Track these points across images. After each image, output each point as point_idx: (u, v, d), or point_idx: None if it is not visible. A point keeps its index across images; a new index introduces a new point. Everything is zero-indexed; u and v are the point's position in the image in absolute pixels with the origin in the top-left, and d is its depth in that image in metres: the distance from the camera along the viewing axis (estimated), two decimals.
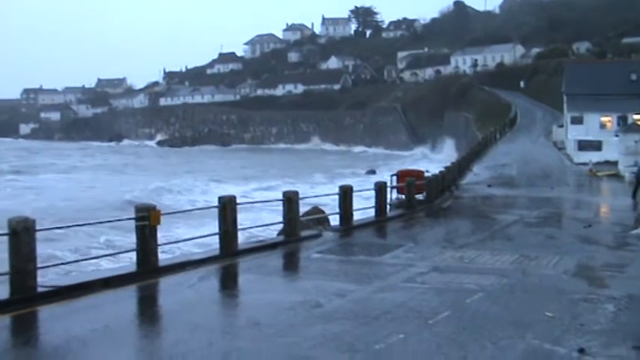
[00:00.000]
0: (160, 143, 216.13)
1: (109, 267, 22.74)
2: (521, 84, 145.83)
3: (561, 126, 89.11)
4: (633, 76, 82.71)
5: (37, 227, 15.82)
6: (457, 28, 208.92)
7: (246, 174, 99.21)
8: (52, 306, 15.20)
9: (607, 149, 71.54)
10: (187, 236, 24.87)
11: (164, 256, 19.96)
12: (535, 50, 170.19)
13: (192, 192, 74.48)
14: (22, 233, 15.30)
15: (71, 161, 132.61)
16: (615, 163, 63.29)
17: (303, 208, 27.30)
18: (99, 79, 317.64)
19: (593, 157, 69.96)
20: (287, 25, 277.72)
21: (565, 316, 14.68)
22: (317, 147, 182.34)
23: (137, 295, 17.25)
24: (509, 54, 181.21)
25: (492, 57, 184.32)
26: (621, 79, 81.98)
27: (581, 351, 12.24)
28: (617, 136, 67.80)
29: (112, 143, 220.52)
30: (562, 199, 43.84)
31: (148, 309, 16.19)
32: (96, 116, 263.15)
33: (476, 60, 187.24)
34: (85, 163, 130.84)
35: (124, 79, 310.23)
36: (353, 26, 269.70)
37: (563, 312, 15.04)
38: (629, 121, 72.52)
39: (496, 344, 12.62)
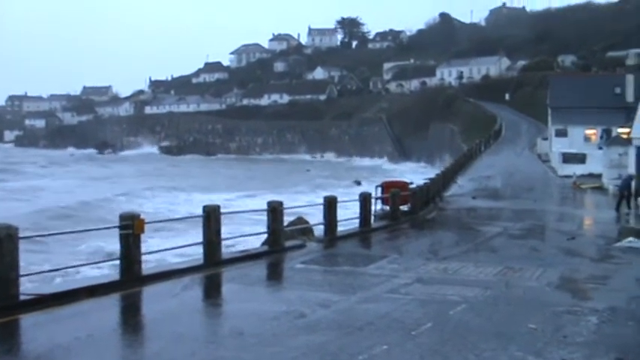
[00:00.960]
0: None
1: (92, 275, 22.66)
2: (507, 96, 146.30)
3: (546, 138, 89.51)
4: (617, 90, 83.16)
5: (20, 235, 15.76)
6: (443, 40, 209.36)
7: (231, 183, 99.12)
8: (34, 314, 15.13)
9: (591, 162, 71.81)
10: (166, 246, 24.80)
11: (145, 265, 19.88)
12: (521, 63, 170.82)
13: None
14: (5, 240, 15.23)
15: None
16: (599, 176, 63.61)
17: (287, 218, 27.29)
18: (84, 87, 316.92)
19: (578, 169, 70.26)
20: (273, 35, 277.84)
21: (548, 328, 14.72)
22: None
23: (121, 304, 17.21)
24: (494, 66, 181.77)
25: (478, 69, 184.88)
26: (606, 92, 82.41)
27: None
28: (601, 148, 68.12)
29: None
30: (546, 212, 43.97)
31: (132, 318, 16.15)
32: (81, 124, 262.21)
33: (461, 72, 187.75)
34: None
35: (109, 87, 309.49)
36: (339, 37, 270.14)
37: (546, 324, 15.08)
38: (613, 134, 72.86)
39: (479, 356, 12.63)
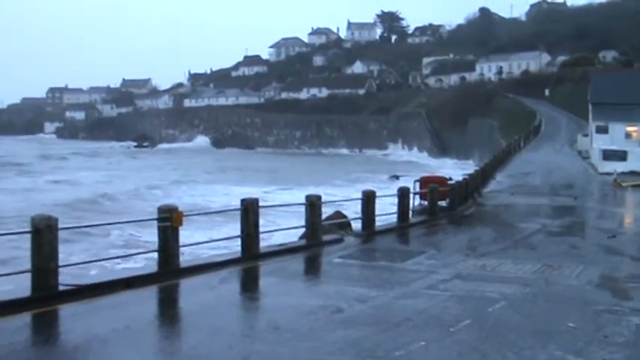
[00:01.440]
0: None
1: (130, 267, 22.75)
2: (547, 92, 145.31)
3: (586, 135, 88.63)
4: None
5: (60, 225, 15.83)
6: (482, 35, 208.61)
7: (270, 177, 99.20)
8: (73, 305, 15.21)
9: (632, 159, 71.08)
10: (203, 239, 24.83)
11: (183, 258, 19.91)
12: (561, 58, 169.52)
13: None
14: (45, 231, 15.31)
15: None
16: None
17: (325, 211, 27.22)
18: (124, 80, 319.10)
19: (618, 167, 69.50)
20: (312, 29, 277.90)
21: (588, 328, 14.54)
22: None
23: (158, 296, 17.26)
24: (534, 62, 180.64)
25: (518, 64, 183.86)
26: None
27: None
28: None
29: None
30: (586, 209, 43.53)
31: (169, 310, 16.18)
32: (120, 116, 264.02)
33: (501, 67, 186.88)
34: None
35: (148, 80, 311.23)
36: (378, 31, 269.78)
37: (586, 323, 14.89)
38: None
39: (518, 354, 12.50)
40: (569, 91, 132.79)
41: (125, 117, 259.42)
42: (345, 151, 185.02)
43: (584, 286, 19.34)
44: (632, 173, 66.19)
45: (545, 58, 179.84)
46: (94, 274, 20.44)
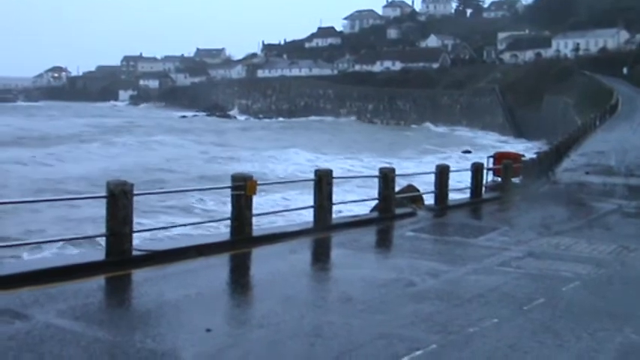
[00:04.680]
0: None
1: (203, 234, 22.91)
2: (625, 70, 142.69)
3: None
4: None
5: (135, 191, 15.98)
6: (559, 11, 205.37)
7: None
8: (146, 270, 15.36)
9: None
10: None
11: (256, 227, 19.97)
12: None
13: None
14: (120, 196, 15.46)
15: None
16: None
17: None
18: (198, 49, 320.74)
19: None
20: (387, 1, 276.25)
21: None
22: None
23: (230, 264, 17.36)
24: (612, 39, 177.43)
25: (595, 41, 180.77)
26: None
27: None
28: None
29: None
30: None
31: (241, 278, 16.28)
32: (194, 85, 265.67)
33: (578, 44, 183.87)
34: None
35: (222, 50, 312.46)
36: (454, 5, 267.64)
37: None
38: None
39: (593, 335, 12.31)
40: None
41: (198, 86, 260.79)
42: (431, 126, 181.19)
43: None
44: None
45: (624, 35, 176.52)
46: (167, 240, 20.63)
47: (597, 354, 11.54)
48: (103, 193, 15.72)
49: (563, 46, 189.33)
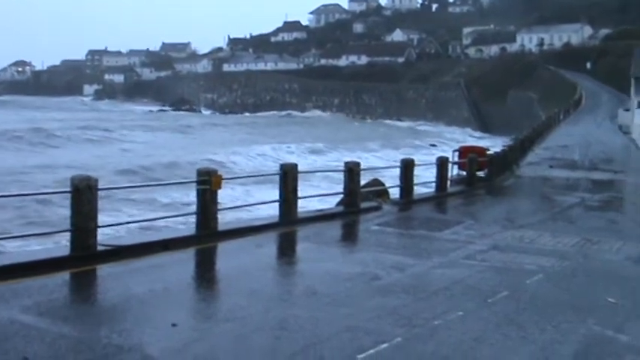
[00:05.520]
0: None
1: (168, 229, 22.86)
2: (588, 65, 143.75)
3: (627, 110, 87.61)
4: None
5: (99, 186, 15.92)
6: (524, 6, 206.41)
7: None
8: (111, 265, 15.31)
9: None
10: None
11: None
12: (603, 31, 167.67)
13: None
14: (84, 191, 15.38)
15: None
16: None
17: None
18: (163, 43, 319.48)
19: None
20: None
21: (628, 303, 14.45)
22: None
23: (196, 259, 17.32)
24: (576, 34, 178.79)
25: (559, 36, 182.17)
26: None
27: None
28: None
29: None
30: (625, 184, 43.13)
31: (206, 273, 16.26)
32: (159, 80, 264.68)
33: (542, 39, 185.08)
34: None
35: (188, 44, 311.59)
36: None
37: (625, 298, 14.79)
38: None
39: (557, 327, 12.42)
40: (612, 64, 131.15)
41: (164, 80, 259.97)
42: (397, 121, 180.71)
43: (623, 261, 19.22)
44: None
45: (588, 30, 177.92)
46: (132, 235, 20.55)
47: (561, 346, 11.65)
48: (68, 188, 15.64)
49: (528, 40, 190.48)
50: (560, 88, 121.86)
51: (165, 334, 11.16)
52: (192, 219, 18.91)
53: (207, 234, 18.23)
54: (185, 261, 16.69)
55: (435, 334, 11.74)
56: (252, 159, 73.65)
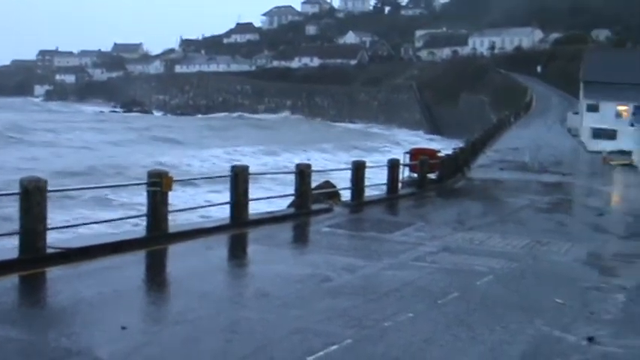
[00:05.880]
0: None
1: (118, 231, 22.68)
2: (539, 69, 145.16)
3: (576, 113, 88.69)
4: None
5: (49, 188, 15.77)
6: (476, 9, 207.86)
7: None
8: (61, 268, 15.16)
9: (621, 138, 71.28)
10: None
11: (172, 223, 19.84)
12: (554, 35, 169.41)
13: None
14: (34, 193, 15.23)
15: None
16: (629, 153, 63.07)
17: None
18: (115, 44, 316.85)
19: (608, 145, 69.81)
20: None
21: (575, 304, 14.63)
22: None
23: (146, 261, 17.22)
24: (527, 38, 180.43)
25: (510, 40, 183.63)
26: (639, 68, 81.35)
27: (591, 339, 12.17)
28: (632, 125, 67.54)
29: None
30: (574, 186, 43.67)
31: (157, 275, 16.18)
32: (111, 80, 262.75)
33: (494, 42, 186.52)
34: None
35: (140, 45, 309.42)
36: (372, 2, 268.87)
37: (573, 299, 14.98)
38: None
39: (505, 328, 12.55)
40: (562, 68, 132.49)
41: (115, 81, 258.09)
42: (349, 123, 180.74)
43: (571, 262, 19.46)
44: (621, 152, 66.36)
45: (538, 34, 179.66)
46: (82, 238, 20.37)
47: (509, 346, 11.76)
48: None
49: (480, 44, 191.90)
50: (512, 92, 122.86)
51: (115, 338, 11.08)
52: (144, 221, 18.78)
53: (157, 236, 18.12)
54: (135, 263, 16.59)
55: (385, 335, 11.79)
56: (206, 161, 73.63)
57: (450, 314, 13.26)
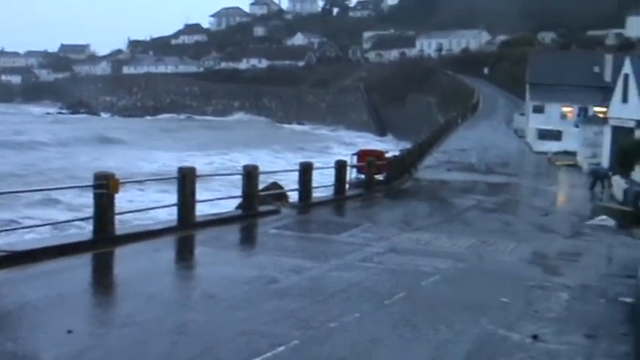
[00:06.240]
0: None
1: (65, 234, 22.51)
2: (486, 70, 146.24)
3: (522, 114, 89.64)
4: (596, 69, 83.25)
5: None
6: (423, 11, 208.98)
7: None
8: (5, 271, 14.99)
9: (567, 139, 72.25)
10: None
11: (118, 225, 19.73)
12: (500, 38, 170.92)
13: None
14: None
15: None
16: (574, 154, 63.91)
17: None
18: (62, 45, 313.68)
19: (553, 146, 70.71)
20: None
21: (520, 303, 14.82)
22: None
23: (93, 264, 17.10)
24: (474, 40, 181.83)
25: (458, 42, 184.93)
26: (584, 70, 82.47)
27: (535, 337, 12.35)
28: (577, 126, 68.39)
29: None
30: (520, 187, 44.12)
31: (104, 278, 16.07)
32: (58, 81, 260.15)
33: (441, 44, 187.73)
34: None
35: (87, 46, 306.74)
36: (320, 3, 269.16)
37: (518, 298, 15.18)
38: (590, 112, 73.08)
39: (450, 327, 12.67)
40: (508, 70, 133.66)
41: (62, 82, 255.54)
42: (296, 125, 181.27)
43: (516, 262, 19.71)
44: (566, 153, 67.21)
45: (485, 36, 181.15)
46: (28, 240, 20.19)
47: (454, 345, 11.89)
48: None
49: (427, 46, 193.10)
50: (459, 93, 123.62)
51: (61, 341, 11.02)
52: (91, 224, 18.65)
53: (104, 238, 18.01)
54: (82, 266, 16.47)
55: (331, 336, 11.85)
56: (154, 162, 73.32)
57: (395, 314, 13.36)
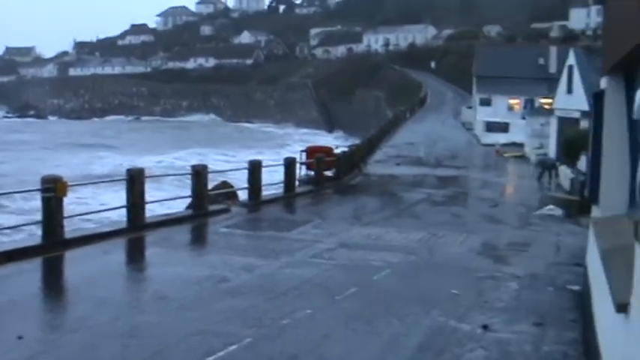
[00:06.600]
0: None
1: (12, 239, 22.30)
2: (432, 65, 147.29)
3: (470, 107, 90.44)
4: (541, 61, 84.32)
5: None
6: (369, 7, 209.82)
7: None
8: None
9: (514, 131, 73.01)
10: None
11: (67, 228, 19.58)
12: (446, 32, 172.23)
13: None
14: None
15: None
16: (521, 145, 64.53)
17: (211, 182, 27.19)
18: (7, 47, 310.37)
19: (500, 138, 71.36)
20: None
21: (470, 294, 14.94)
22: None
23: (42, 268, 16.94)
24: (420, 34, 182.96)
25: (404, 37, 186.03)
26: (529, 63, 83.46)
27: (485, 327, 12.48)
28: (524, 118, 69.07)
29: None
30: (469, 179, 44.46)
31: (54, 282, 15.94)
32: (3, 85, 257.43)
33: (388, 39, 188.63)
34: None
35: (32, 48, 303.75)
36: (266, 1, 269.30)
37: (468, 289, 15.29)
38: (536, 104, 73.86)
39: (402, 321, 12.75)
40: (455, 64, 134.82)
41: (8, 85, 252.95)
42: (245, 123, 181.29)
43: (466, 253, 19.86)
44: (514, 144, 67.86)
45: (432, 31, 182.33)
46: None
47: (406, 338, 11.95)
48: None
49: (374, 41, 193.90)
50: (406, 87, 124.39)
51: (11, 347, 10.91)
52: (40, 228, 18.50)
53: (53, 242, 17.87)
54: (30, 271, 16.32)
55: (284, 333, 11.87)
56: (105, 165, 72.85)
57: (347, 309, 13.42)
